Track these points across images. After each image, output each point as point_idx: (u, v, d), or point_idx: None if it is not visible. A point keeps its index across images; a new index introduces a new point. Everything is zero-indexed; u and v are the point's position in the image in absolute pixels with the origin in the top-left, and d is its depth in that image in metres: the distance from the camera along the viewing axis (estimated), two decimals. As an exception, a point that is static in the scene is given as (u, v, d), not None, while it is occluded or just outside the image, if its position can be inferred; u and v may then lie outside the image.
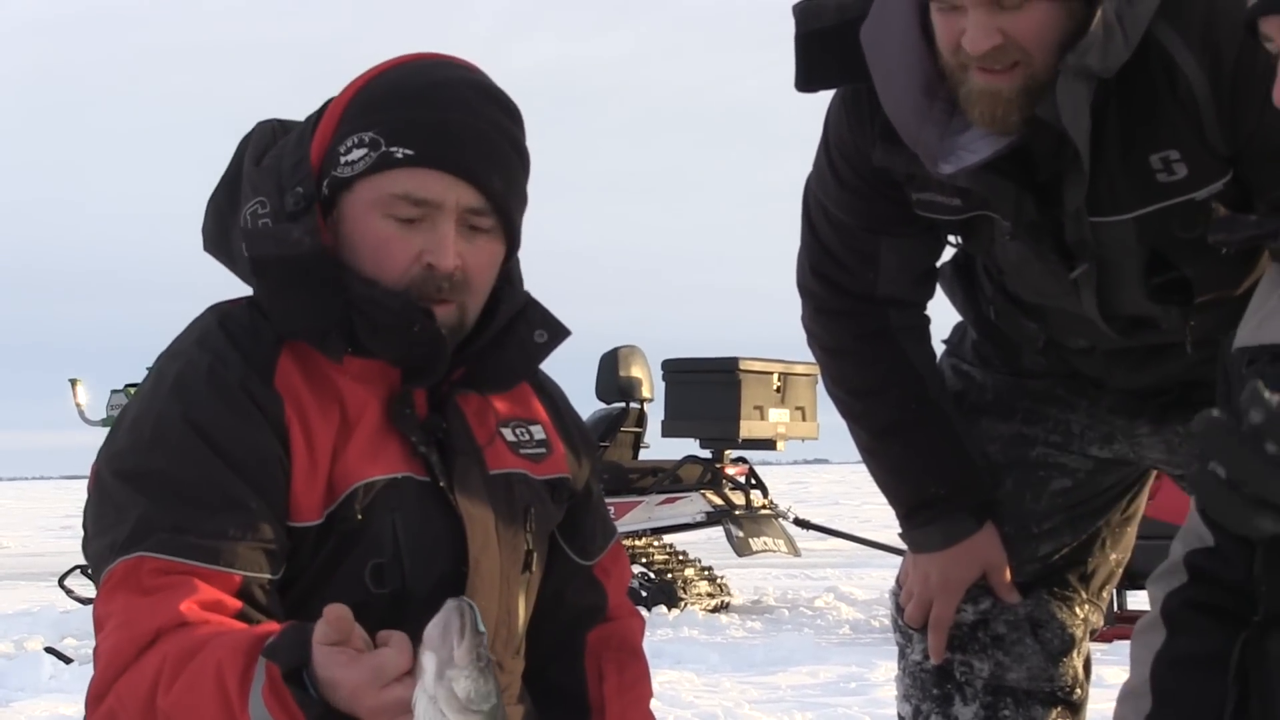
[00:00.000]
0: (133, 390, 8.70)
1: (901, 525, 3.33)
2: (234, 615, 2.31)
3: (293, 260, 2.43)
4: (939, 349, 3.40)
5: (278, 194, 2.48)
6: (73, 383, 12.85)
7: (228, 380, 2.41)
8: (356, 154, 2.45)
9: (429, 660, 2.02)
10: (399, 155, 2.44)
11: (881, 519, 11.88)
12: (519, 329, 2.58)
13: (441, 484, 2.49)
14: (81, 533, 2.47)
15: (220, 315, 2.52)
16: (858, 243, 3.18)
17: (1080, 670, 3.30)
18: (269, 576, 2.37)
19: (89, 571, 9.01)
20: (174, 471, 2.36)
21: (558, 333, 2.63)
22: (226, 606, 2.31)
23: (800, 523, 12.63)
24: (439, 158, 2.44)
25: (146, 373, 2.57)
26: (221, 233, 2.58)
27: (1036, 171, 2.88)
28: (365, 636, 2.10)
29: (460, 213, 2.46)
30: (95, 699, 2.33)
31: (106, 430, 2.68)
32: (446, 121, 2.46)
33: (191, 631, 2.25)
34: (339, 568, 2.42)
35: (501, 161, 2.50)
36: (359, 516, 2.42)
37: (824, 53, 2.95)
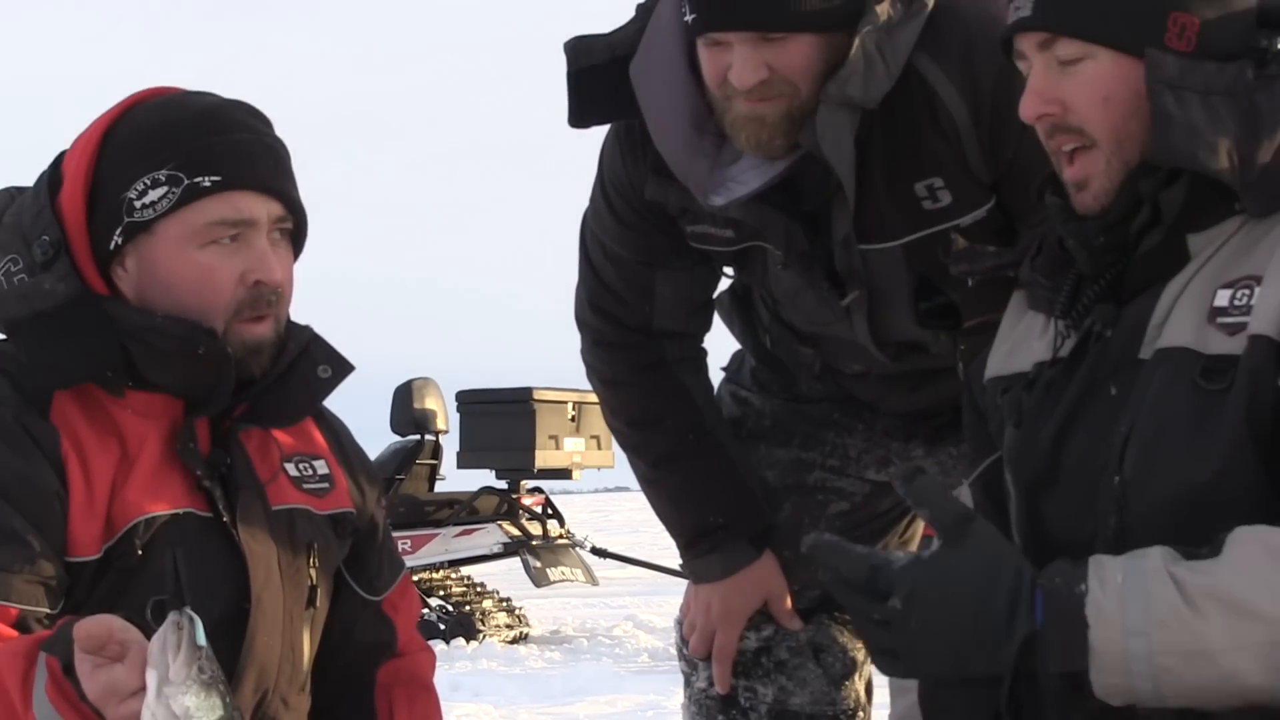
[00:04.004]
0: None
1: (682, 555, 3.34)
2: None
3: (50, 312, 2.42)
4: (718, 377, 3.43)
5: (25, 248, 2.47)
6: None
7: (2, 416, 2.41)
8: (155, 194, 2.45)
9: (150, 677, 2.03)
10: (206, 184, 2.45)
11: (678, 545, 11.90)
12: (302, 364, 2.59)
13: (225, 519, 2.49)
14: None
15: None
16: (634, 276, 3.20)
17: (862, 693, 3.33)
18: (46, 610, 2.35)
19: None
20: None
21: (342, 367, 2.64)
22: (3, 637, 2.28)
23: (597, 551, 12.64)
24: (245, 177, 2.47)
25: None
26: None
27: (805, 201, 2.92)
28: (131, 640, 2.10)
29: (271, 224, 2.50)
30: None
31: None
32: (238, 142, 2.49)
33: None
34: (119, 602, 2.38)
35: (289, 170, 2.55)
36: (139, 552, 2.41)
37: (595, 89, 2.97)
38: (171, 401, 2.49)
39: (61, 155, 2.56)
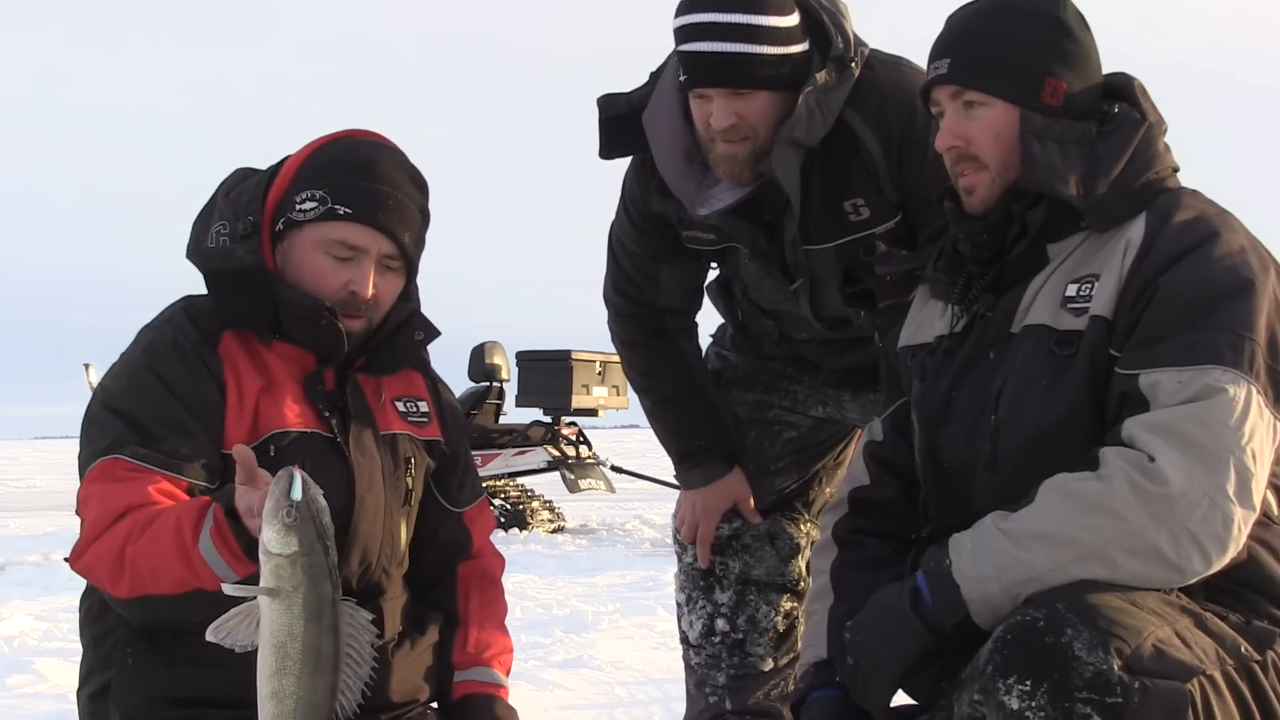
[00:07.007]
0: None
1: (675, 469, 3.33)
2: None
3: (235, 273, 2.48)
4: (706, 342, 3.42)
5: (235, 220, 2.51)
6: (86, 366, 12.50)
7: (185, 346, 2.46)
8: (309, 205, 2.48)
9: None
10: (340, 212, 2.47)
11: (672, 464, 11.85)
12: (404, 331, 2.60)
13: (338, 440, 2.50)
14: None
15: (187, 303, 2.57)
16: (644, 267, 3.19)
17: (803, 569, 3.32)
18: (207, 485, 2.38)
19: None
20: (142, 407, 2.40)
21: (430, 333, 2.65)
22: (179, 499, 2.33)
23: (616, 469, 12.60)
24: (368, 217, 2.48)
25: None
26: (196, 246, 2.57)
27: (765, 213, 2.92)
28: (263, 477, 2.13)
29: (379, 257, 2.51)
30: (76, 556, 2.35)
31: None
32: (376, 191, 2.49)
33: (153, 506, 2.29)
34: None
35: (411, 222, 2.53)
36: (271, 454, 2.41)
37: (619, 132, 2.97)
38: (306, 354, 2.51)
39: (286, 158, 2.59)
